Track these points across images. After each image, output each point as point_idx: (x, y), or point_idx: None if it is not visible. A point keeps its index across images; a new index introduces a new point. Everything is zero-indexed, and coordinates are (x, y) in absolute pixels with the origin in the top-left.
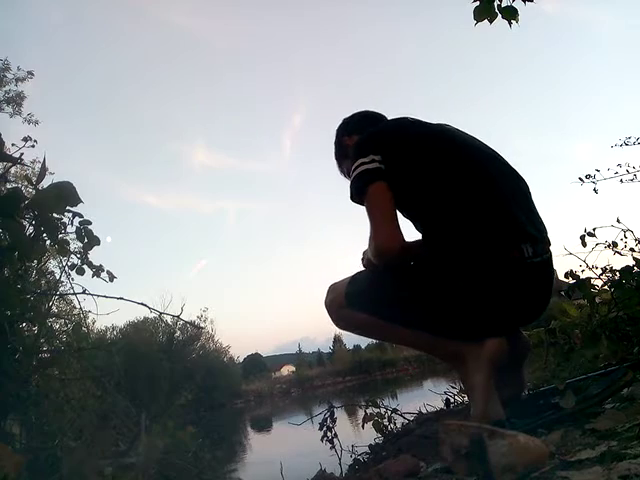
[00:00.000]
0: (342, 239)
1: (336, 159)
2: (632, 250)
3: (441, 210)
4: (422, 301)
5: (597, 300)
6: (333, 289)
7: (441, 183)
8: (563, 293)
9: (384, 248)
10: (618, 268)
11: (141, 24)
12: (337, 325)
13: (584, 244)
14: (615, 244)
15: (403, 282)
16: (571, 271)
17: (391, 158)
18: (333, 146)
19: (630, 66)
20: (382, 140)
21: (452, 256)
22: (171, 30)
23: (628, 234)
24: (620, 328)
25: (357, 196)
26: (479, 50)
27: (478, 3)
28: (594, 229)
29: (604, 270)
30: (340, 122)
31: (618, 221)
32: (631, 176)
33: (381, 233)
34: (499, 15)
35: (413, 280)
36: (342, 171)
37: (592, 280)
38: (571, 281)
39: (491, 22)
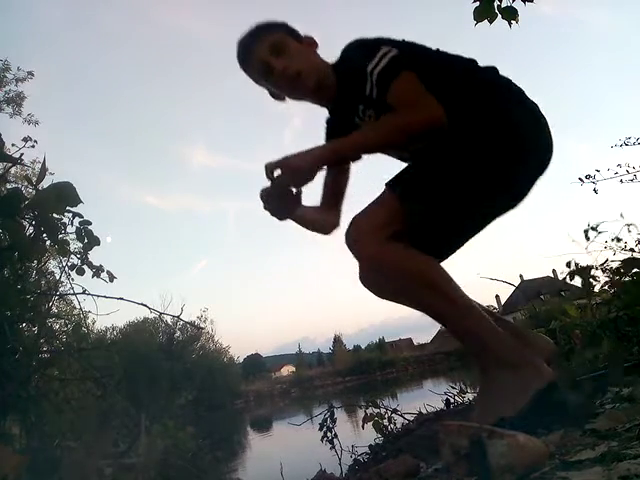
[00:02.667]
0: (342, 238)
1: (267, 31)
2: (632, 250)
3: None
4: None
5: (597, 300)
6: (366, 213)
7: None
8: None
9: (435, 117)
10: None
11: (142, 25)
12: (367, 269)
13: (587, 238)
14: (618, 239)
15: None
16: (573, 260)
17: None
18: (264, 27)
19: (630, 66)
20: (396, 42)
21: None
22: (172, 31)
23: (632, 228)
24: (620, 328)
25: (387, 78)
26: (478, 51)
27: (478, 3)
28: (597, 225)
29: (604, 270)
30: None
31: (622, 216)
32: (631, 176)
33: (427, 103)
34: (499, 15)
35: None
36: (259, 44)
37: (592, 271)
38: (572, 268)
39: (491, 22)
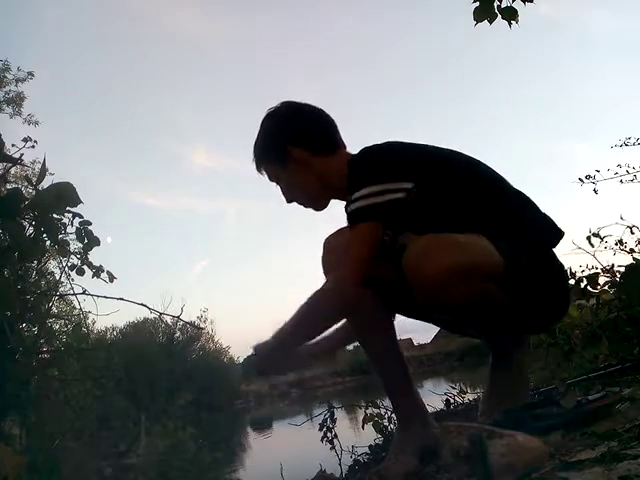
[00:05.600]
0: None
1: (261, 161)
2: (632, 251)
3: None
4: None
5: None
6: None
7: (480, 199)
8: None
9: (345, 282)
10: (618, 268)
11: (141, 25)
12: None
13: (591, 245)
14: (621, 242)
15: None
16: (569, 269)
17: (427, 183)
18: (260, 141)
19: (630, 66)
20: (416, 165)
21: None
22: (171, 30)
23: (634, 230)
24: (620, 329)
25: (352, 220)
26: (478, 51)
27: (478, 4)
28: (599, 229)
29: (604, 270)
30: (276, 117)
31: (622, 218)
32: (631, 176)
33: (351, 268)
34: (499, 16)
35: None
36: (262, 172)
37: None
38: (570, 281)
39: (491, 23)
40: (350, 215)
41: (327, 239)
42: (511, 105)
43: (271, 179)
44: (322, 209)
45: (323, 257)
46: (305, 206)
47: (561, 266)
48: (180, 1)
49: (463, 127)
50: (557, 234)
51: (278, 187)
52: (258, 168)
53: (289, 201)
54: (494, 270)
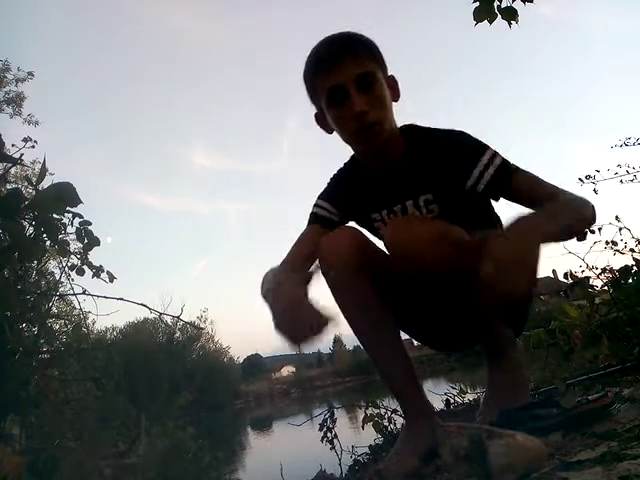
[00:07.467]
0: None
1: (370, 48)
2: (632, 250)
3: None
4: None
5: (597, 301)
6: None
7: None
8: (562, 293)
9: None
10: (618, 268)
11: (140, 25)
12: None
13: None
14: (615, 243)
15: None
16: (570, 272)
17: None
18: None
19: (630, 66)
20: None
21: None
22: (170, 31)
23: (624, 232)
24: (620, 329)
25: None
26: (478, 51)
27: (478, 4)
28: (592, 229)
29: (604, 270)
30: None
31: (617, 219)
32: (631, 177)
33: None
34: (499, 16)
35: None
36: (359, 57)
37: (592, 280)
38: (570, 281)
39: (491, 23)
40: (506, 163)
41: (322, 239)
42: (511, 105)
43: (364, 75)
44: (381, 142)
45: (320, 256)
46: (375, 129)
47: None
48: (180, 1)
49: (463, 128)
50: None
51: (354, 93)
52: (356, 51)
53: (369, 111)
54: (461, 239)
